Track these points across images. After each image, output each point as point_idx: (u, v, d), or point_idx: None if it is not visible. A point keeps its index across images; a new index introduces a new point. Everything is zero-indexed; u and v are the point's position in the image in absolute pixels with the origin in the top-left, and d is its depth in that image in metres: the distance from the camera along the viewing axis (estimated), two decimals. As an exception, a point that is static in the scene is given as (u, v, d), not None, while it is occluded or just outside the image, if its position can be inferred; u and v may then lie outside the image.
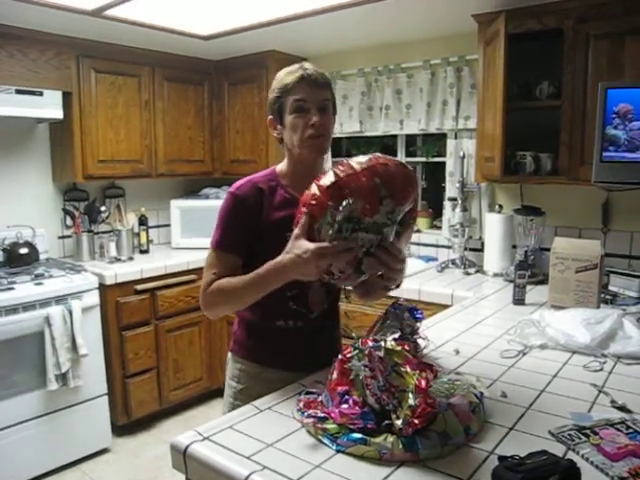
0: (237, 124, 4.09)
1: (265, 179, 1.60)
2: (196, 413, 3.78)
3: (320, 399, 1.27)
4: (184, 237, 4.05)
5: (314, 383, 1.47)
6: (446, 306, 2.57)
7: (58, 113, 3.30)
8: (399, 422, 1.11)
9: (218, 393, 3.78)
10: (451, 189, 3.38)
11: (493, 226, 3.08)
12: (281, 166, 1.65)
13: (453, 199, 3.33)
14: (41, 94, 3.19)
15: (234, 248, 1.55)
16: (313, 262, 1.30)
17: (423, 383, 1.11)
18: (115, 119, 3.61)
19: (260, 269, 1.43)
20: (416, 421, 1.09)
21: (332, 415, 1.18)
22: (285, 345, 1.59)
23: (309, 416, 1.23)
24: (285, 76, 1.54)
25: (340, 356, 1.25)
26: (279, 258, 1.39)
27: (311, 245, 1.32)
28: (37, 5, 2.65)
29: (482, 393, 1.31)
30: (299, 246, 1.34)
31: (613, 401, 1.40)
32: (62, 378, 2.94)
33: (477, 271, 3.17)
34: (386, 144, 3.99)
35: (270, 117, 1.59)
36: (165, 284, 3.55)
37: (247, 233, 1.54)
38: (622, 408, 1.36)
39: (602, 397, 1.44)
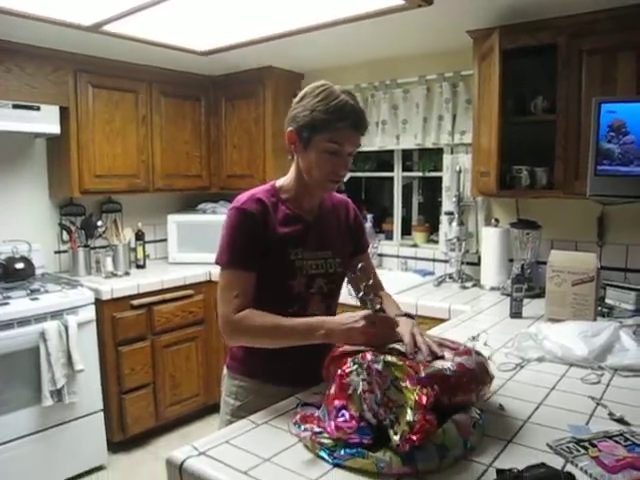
0: (234, 139, 4.11)
1: (267, 194, 1.59)
2: (193, 429, 3.74)
3: (317, 414, 1.25)
4: (181, 252, 4.04)
5: (312, 395, 1.47)
6: (443, 320, 2.56)
7: (55, 128, 3.31)
8: (396, 437, 1.10)
9: (215, 409, 3.75)
10: (447, 203, 3.39)
11: (489, 240, 3.08)
12: (283, 181, 1.64)
13: (450, 213, 3.33)
14: (38, 109, 3.20)
15: (248, 264, 1.52)
16: (361, 327, 1.36)
17: (424, 399, 1.10)
18: (112, 134, 3.62)
19: (302, 322, 1.45)
20: (414, 437, 1.08)
21: (328, 430, 1.17)
22: (286, 360, 1.58)
23: (306, 430, 1.22)
24: (335, 111, 1.46)
25: (339, 371, 1.24)
26: (326, 319, 1.44)
27: (362, 312, 1.39)
28: (35, 20, 2.67)
29: (482, 410, 1.30)
30: (351, 315, 1.40)
31: (611, 413, 1.40)
32: (57, 394, 2.92)
33: (474, 285, 3.17)
34: (383, 159, 4.00)
35: (291, 130, 1.53)
36: (162, 299, 3.54)
37: (257, 249, 1.52)
38: (620, 420, 1.36)
39: (600, 409, 1.44)
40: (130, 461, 3.36)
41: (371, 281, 1.44)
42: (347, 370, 1.23)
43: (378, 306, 1.40)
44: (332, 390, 1.24)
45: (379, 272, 1.85)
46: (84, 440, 3.13)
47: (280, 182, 1.65)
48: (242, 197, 1.57)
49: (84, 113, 3.46)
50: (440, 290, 3.10)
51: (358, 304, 1.84)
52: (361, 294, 1.42)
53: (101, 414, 3.22)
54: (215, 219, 3.93)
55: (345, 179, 4.13)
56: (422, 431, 1.08)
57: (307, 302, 1.60)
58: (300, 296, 1.58)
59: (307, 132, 1.50)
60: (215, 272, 3.72)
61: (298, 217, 1.61)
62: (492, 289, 3.05)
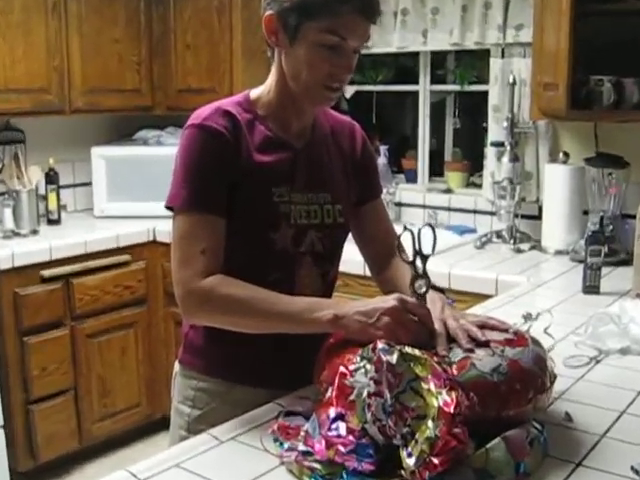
0: (187, 37, 4.06)
1: (239, 108, 1.58)
2: (132, 453, 3.77)
3: (305, 427, 1.25)
4: (112, 201, 4.02)
5: (297, 399, 1.48)
6: (488, 296, 2.58)
7: None
8: (411, 461, 1.09)
9: (164, 424, 3.77)
10: (496, 130, 3.38)
11: (556, 183, 3.08)
12: (260, 92, 1.63)
13: (499, 144, 3.32)
14: None
15: (217, 206, 1.51)
16: (392, 308, 1.34)
17: (450, 406, 1.10)
18: (10, 30, 3.56)
19: (302, 300, 1.46)
20: (436, 461, 1.07)
21: (316, 448, 1.16)
22: (265, 351, 1.58)
23: (290, 449, 1.22)
24: None
25: (341, 368, 1.23)
26: (338, 300, 1.46)
27: (396, 294, 1.40)
28: None
29: (544, 425, 1.31)
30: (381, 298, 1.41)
31: None
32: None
33: (532, 247, 3.19)
34: (402, 65, 3.97)
35: (271, 14, 1.51)
36: (85, 268, 3.54)
37: (227, 183, 1.52)
38: None
39: None
40: (43, 497, 3.41)
41: (430, 253, 1.42)
42: (352, 368, 1.22)
43: (424, 289, 1.39)
44: (329, 394, 1.24)
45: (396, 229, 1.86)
46: (-23, 468, 3.16)
47: (256, 92, 1.63)
48: (203, 111, 1.55)
49: (-34, -2, 3.40)
50: (484, 254, 3.11)
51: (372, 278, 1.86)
52: (410, 259, 1.42)
53: (0, 432, 3.25)
54: (161, 153, 3.91)
55: (348, 94, 4.11)
56: (446, 451, 1.07)
57: (294, 265, 1.59)
58: (284, 256, 1.57)
59: (295, 18, 1.47)
60: (162, 229, 3.72)
61: (283, 142, 1.60)
62: (558, 253, 3.06)
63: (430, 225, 1.44)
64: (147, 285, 3.82)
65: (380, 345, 1.20)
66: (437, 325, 1.38)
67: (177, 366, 1.73)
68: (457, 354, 1.30)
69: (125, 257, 3.70)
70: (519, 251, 3.15)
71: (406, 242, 1.44)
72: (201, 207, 1.50)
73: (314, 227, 1.61)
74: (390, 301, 1.35)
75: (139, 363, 3.85)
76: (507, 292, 2.52)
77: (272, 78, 1.61)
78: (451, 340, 1.36)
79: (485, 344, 1.34)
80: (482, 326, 1.42)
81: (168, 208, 1.54)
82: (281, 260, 1.58)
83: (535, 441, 1.24)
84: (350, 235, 1.79)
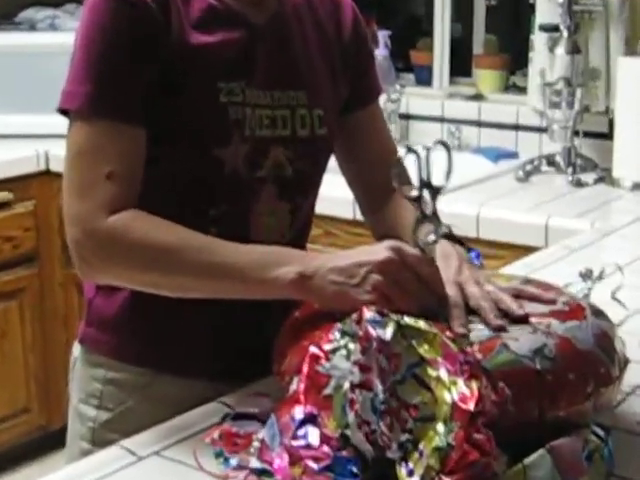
0: None
1: None
2: (20, 478, 3.81)
3: (261, 435, 1.26)
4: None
5: (251, 396, 1.49)
6: (533, 249, 2.61)
7: None
8: None
9: (64, 438, 3.81)
10: (547, 9, 3.37)
11: (634, 85, 3.09)
12: None
13: (551, 29, 3.32)
14: None
15: (134, 109, 1.49)
16: (383, 261, 1.30)
17: (470, 402, 1.11)
18: None
19: (252, 250, 1.43)
20: None
21: (275, 464, 1.16)
22: (203, 326, 1.60)
23: (239, 466, 1.23)
24: None
25: (312, 348, 1.23)
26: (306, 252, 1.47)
27: (388, 242, 1.37)
28: None
29: (609, 432, 1.32)
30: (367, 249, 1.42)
31: None
32: None
33: (599, 179, 3.22)
34: None
35: None
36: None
37: (150, 76, 1.50)
38: None
39: None
40: None
41: (443, 183, 1.38)
42: (328, 348, 1.23)
43: (432, 237, 1.36)
44: (294, 386, 1.25)
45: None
46: None
47: None
48: None
49: None
50: (529, 189, 3.16)
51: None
52: (414, 193, 1.38)
53: None
54: (56, 41, 3.91)
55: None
56: (464, 467, 1.08)
57: (249, 197, 1.59)
58: (235, 183, 1.56)
59: None
60: (59, 153, 3.67)
61: (234, 15, 1.59)
62: (636, 187, 3.09)
63: (443, 143, 1.41)
64: (37, 236, 3.83)
65: (368, 314, 1.19)
66: (450, 291, 1.35)
67: (77, 348, 1.78)
68: (481, 333, 1.28)
69: (4, 195, 3.70)
70: (580, 184, 3.18)
71: (409, 169, 1.42)
72: (110, 111, 1.48)
73: (281, 141, 1.61)
74: (381, 252, 1.32)
75: (27, 350, 3.87)
76: (561, 242, 2.54)
77: None
78: (472, 313, 1.34)
79: (523, 320, 1.32)
80: (518, 294, 1.40)
81: (62, 112, 1.51)
82: (230, 189, 1.57)
83: (595, 454, 1.25)
84: (333, 158, 1.79)
